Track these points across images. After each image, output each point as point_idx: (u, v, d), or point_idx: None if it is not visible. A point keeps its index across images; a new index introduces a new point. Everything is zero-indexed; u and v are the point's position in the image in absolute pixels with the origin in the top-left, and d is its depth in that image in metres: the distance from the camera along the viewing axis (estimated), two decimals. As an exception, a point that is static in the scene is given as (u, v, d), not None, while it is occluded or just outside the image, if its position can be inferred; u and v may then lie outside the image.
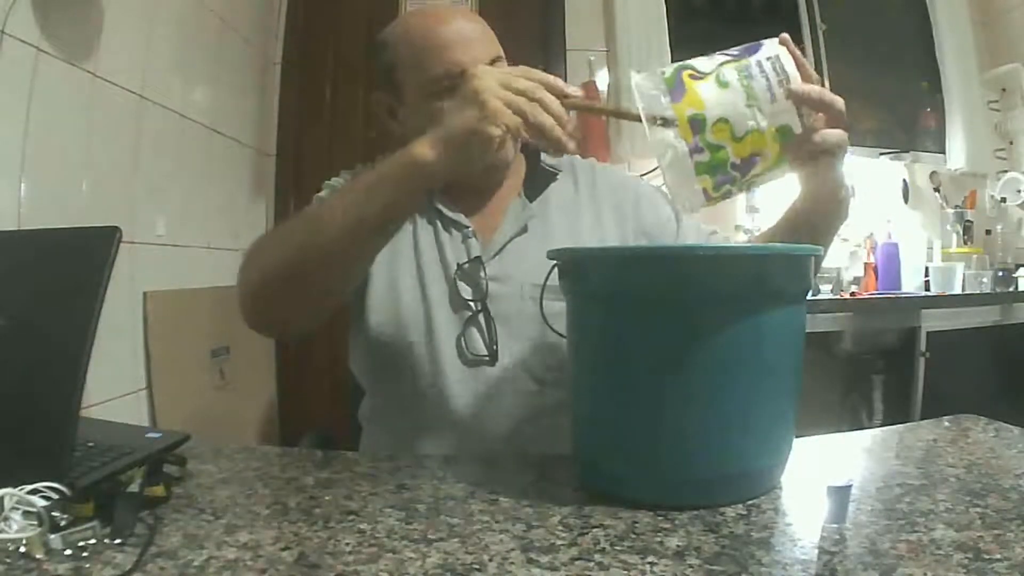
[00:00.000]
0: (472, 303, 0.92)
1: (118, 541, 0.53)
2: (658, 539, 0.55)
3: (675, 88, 0.70)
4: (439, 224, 0.97)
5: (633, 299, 0.63)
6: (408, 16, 0.98)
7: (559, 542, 0.54)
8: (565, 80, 2.86)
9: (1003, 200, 2.82)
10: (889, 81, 3.00)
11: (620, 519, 0.59)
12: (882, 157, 2.87)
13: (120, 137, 1.71)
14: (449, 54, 0.87)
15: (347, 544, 0.54)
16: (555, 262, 0.71)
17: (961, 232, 2.81)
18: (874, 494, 0.63)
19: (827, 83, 2.73)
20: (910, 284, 2.67)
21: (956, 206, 2.85)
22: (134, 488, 0.60)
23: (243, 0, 2.43)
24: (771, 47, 0.74)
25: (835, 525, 0.56)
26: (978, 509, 0.59)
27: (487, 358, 0.91)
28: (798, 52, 0.73)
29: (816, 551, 0.52)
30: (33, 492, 0.55)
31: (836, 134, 0.74)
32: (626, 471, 0.64)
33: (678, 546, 0.53)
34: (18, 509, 0.54)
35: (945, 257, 2.75)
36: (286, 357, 2.57)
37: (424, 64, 0.88)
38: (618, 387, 0.64)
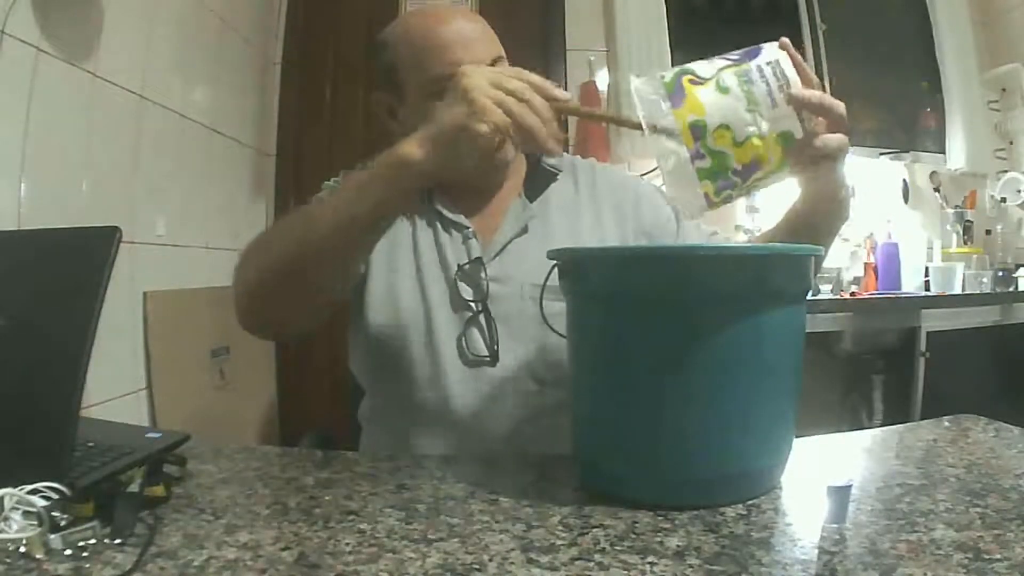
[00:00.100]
0: (473, 304, 0.92)
1: (118, 541, 0.53)
2: (658, 539, 0.55)
3: (675, 93, 0.70)
4: (439, 225, 0.97)
5: (633, 299, 0.63)
6: (408, 16, 0.98)
7: (559, 542, 0.54)
8: (565, 81, 2.86)
9: (1003, 200, 2.82)
10: (889, 81, 3.00)
11: (620, 519, 0.59)
12: (882, 157, 2.87)
13: (120, 137, 1.71)
14: (450, 54, 0.87)
15: (347, 544, 0.54)
16: (555, 262, 0.71)
17: (961, 232, 2.81)
18: (874, 494, 0.63)
19: (827, 83, 2.73)
20: (910, 284, 2.67)
21: (956, 206, 2.85)
22: (134, 488, 0.60)
23: (243, 0, 2.43)
24: (771, 51, 0.74)
25: (835, 525, 0.56)
26: (978, 509, 0.59)
27: (488, 359, 0.91)
28: (798, 56, 0.73)
29: (816, 551, 0.52)
30: (33, 492, 0.55)
31: (837, 138, 0.75)
32: (626, 471, 0.64)
33: (678, 546, 0.53)
34: (18, 509, 0.54)
35: (945, 257, 2.75)
36: (286, 357, 2.57)
37: (425, 64, 0.88)
38: (618, 387, 0.64)
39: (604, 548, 0.53)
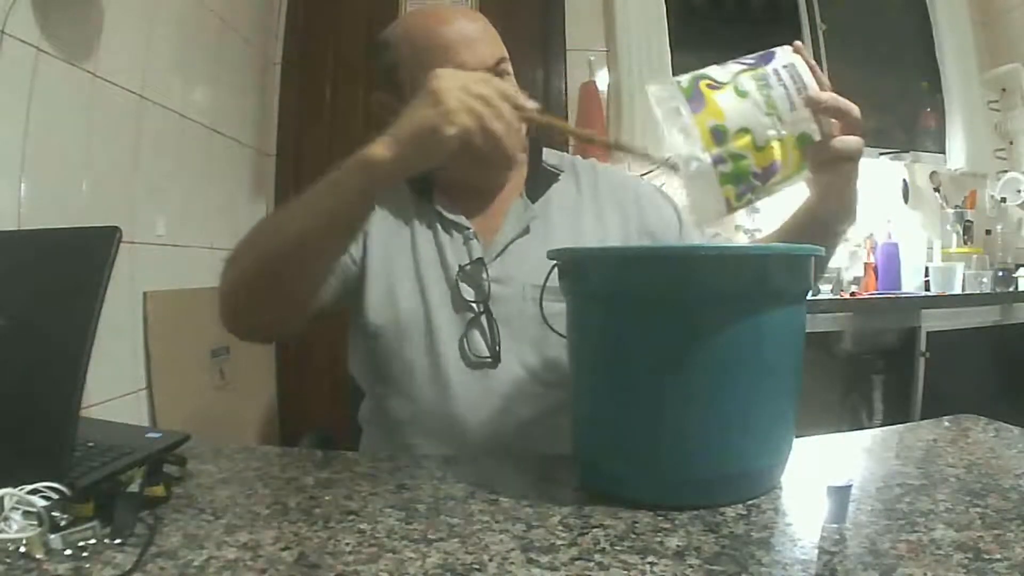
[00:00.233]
0: (474, 305, 0.92)
1: (118, 541, 0.53)
2: (658, 539, 0.55)
3: (694, 98, 0.71)
4: (439, 226, 0.96)
5: (633, 299, 0.63)
6: (409, 16, 0.98)
7: (559, 542, 0.54)
8: (565, 81, 2.86)
9: (1003, 200, 2.82)
10: (889, 81, 3.00)
11: (620, 519, 0.59)
12: (882, 157, 2.87)
13: (120, 137, 1.71)
14: (452, 54, 0.87)
15: (347, 544, 0.54)
16: (555, 262, 0.71)
17: (961, 232, 2.81)
18: (874, 494, 0.63)
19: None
20: (910, 284, 2.67)
21: (956, 206, 2.85)
22: (134, 488, 0.60)
23: (243, 0, 2.43)
24: (785, 55, 0.74)
25: (835, 525, 0.56)
26: (978, 509, 0.59)
27: (489, 360, 0.91)
28: (811, 60, 0.74)
29: (816, 551, 0.52)
30: (33, 492, 0.55)
31: (855, 140, 0.76)
32: (626, 471, 0.64)
33: (678, 546, 0.53)
34: (18, 509, 0.54)
35: (945, 257, 2.75)
36: (286, 357, 2.58)
37: (426, 64, 0.88)
38: (618, 387, 0.64)
39: (604, 548, 0.53)
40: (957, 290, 2.57)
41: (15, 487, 0.55)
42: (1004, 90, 2.90)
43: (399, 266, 0.95)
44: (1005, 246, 2.81)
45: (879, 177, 2.84)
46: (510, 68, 0.93)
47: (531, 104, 0.77)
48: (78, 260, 0.65)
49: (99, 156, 1.60)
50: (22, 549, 0.51)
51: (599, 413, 0.67)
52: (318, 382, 2.46)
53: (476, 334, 0.92)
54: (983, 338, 2.37)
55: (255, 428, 2.40)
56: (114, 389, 1.64)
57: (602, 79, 2.70)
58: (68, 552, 0.51)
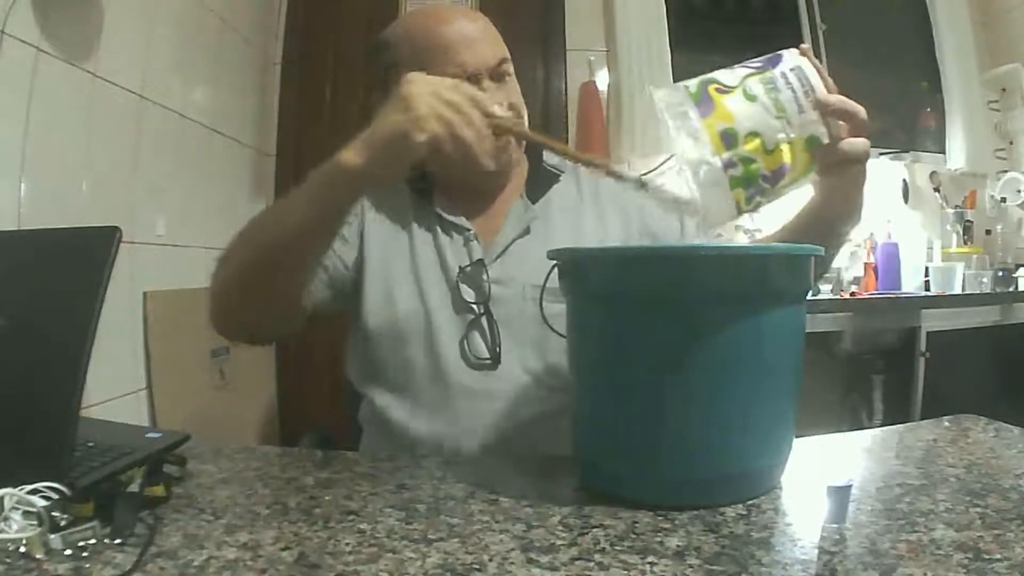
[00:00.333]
0: (474, 306, 0.92)
1: (118, 541, 0.53)
2: (658, 539, 0.55)
3: (703, 102, 0.71)
4: (438, 228, 0.96)
5: (633, 299, 0.63)
6: (409, 16, 0.98)
7: (559, 542, 0.54)
8: (565, 81, 2.85)
9: (1003, 200, 2.82)
10: (889, 81, 3.00)
11: (620, 519, 0.59)
12: (882, 157, 2.87)
13: (120, 137, 1.71)
14: (452, 54, 0.87)
15: (347, 544, 0.54)
16: (555, 262, 0.71)
17: (961, 232, 2.81)
18: (874, 494, 0.63)
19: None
20: (910, 284, 2.67)
21: (956, 206, 2.85)
22: (134, 488, 0.60)
23: (243, 0, 2.43)
24: (792, 58, 0.74)
25: (835, 525, 0.56)
26: (978, 509, 0.59)
27: (489, 361, 0.91)
28: (817, 62, 0.74)
29: (816, 551, 0.52)
30: (33, 492, 0.55)
31: (862, 143, 0.76)
32: (626, 471, 0.64)
33: (678, 546, 0.53)
34: (18, 509, 0.54)
35: (945, 257, 2.75)
36: (286, 357, 2.57)
37: (426, 65, 0.88)
38: (618, 387, 0.64)
39: (604, 548, 0.53)
40: (957, 290, 2.57)
41: (15, 487, 0.55)
42: (1004, 90, 2.90)
43: (397, 268, 0.95)
44: (1005, 246, 2.81)
45: (879, 177, 2.83)
46: (511, 69, 0.93)
47: (501, 111, 0.77)
48: (78, 260, 0.65)
49: (99, 156, 1.60)
50: (22, 549, 0.51)
51: (599, 413, 0.67)
52: (318, 382, 2.46)
53: (476, 335, 0.92)
54: (983, 338, 2.37)
55: (255, 428, 2.40)
56: (114, 389, 1.64)
57: (602, 79, 2.70)
58: (68, 552, 0.51)
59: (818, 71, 0.74)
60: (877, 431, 0.90)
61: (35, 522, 0.53)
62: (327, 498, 0.65)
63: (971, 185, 2.89)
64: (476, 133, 0.72)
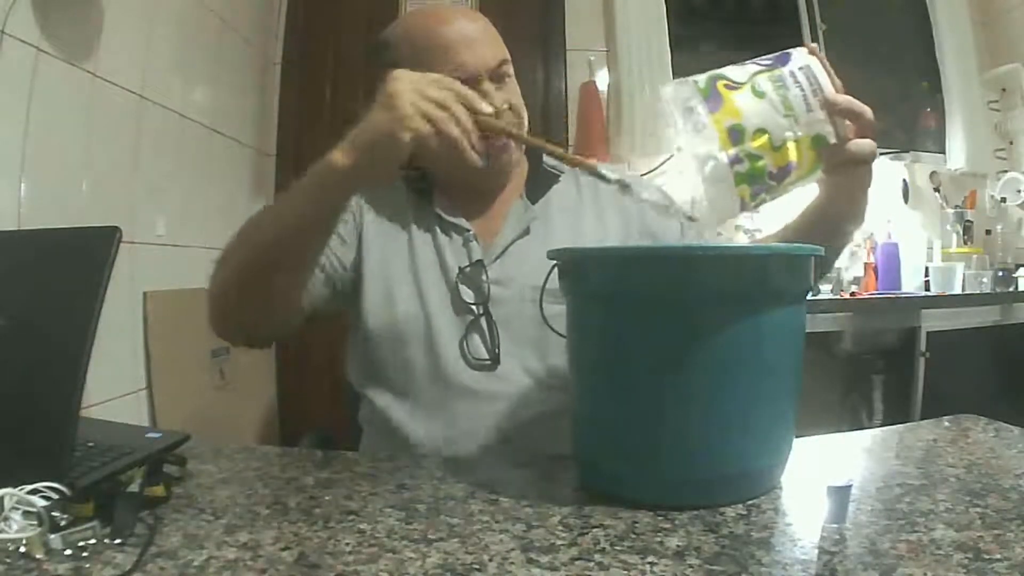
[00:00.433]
0: (474, 307, 0.92)
1: (118, 541, 0.53)
2: (658, 539, 0.55)
3: (711, 98, 0.71)
4: (438, 229, 0.96)
5: (633, 299, 0.63)
6: (409, 16, 0.98)
7: (559, 542, 0.54)
8: (565, 81, 2.85)
9: (1003, 200, 2.82)
10: (889, 81, 3.00)
11: (620, 519, 0.59)
12: (882, 157, 2.87)
13: (120, 137, 1.71)
14: (453, 55, 0.87)
15: (347, 544, 0.54)
16: (555, 262, 0.71)
17: (961, 232, 2.81)
18: (874, 494, 0.63)
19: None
20: (910, 284, 2.67)
21: (956, 206, 2.85)
22: (134, 488, 0.60)
23: (243, 0, 2.43)
24: (801, 57, 0.75)
25: (835, 525, 0.56)
26: (978, 509, 0.59)
27: (489, 362, 0.91)
28: (826, 62, 0.75)
29: (816, 551, 0.52)
30: (33, 492, 0.55)
31: (868, 144, 0.76)
32: (626, 471, 0.64)
33: (678, 546, 0.53)
34: (18, 509, 0.54)
35: (945, 257, 2.75)
36: (286, 357, 2.57)
37: (426, 65, 0.87)
38: (618, 387, 0.64)
39: (604, 548, 0.53)
40: (957, 290, 2.57)
41: (15, 487, 0.55)
42: (1004, 90, 2.90)
43: (396, 269, 0.94)
44: (1005, 246, 2.81)
45: (879, 177, 2.81)
46: (511, 70, 0.93)
47: (486, 108, 0.77)
48: (78, 260, 0.65)
49: (99, 156, 1.60)
50: (22, 549, 0.51)
51: (599, 413, 0.67)
52: (318, 382, 2.46)
53: (476, 336, 0.92)
54: (983, 338, 2.37)
55: (255, 428, 2.40)
56: (114, 389, 1.64)
57: (602, 79, 2.70)
58: (68, 552, 0.51)
59: (827, 70, 0.74)
60: (877, 431, 0.90)
61: (35, 522, 0.53)
62: (327, 498, 0.65)
63: (971, 185, 2.89)
64: (461, 130, 0.72)
